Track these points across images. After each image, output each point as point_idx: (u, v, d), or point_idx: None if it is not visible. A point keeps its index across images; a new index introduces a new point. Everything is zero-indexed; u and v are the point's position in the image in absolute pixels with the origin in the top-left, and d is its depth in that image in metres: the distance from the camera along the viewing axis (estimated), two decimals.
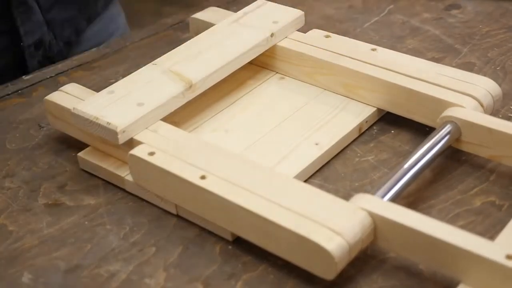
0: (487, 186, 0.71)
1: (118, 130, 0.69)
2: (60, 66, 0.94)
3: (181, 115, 0.78)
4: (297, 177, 0.71)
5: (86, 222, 0.69)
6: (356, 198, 0.63)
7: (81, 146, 0.76)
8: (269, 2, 0.89)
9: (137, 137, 0.70)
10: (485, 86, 0.75)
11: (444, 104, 0.73)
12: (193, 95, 0.76)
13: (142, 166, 0.68)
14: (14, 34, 0.95)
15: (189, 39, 0.85)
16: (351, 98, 0.80)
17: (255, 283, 0.62)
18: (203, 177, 0.65)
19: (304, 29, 0.88)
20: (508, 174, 0.72)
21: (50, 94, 0.77)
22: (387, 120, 0.80)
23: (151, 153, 0.68)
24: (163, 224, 0.69)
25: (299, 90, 0.83)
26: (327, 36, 0.86)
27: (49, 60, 1.00)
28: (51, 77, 0.92)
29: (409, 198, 0.70)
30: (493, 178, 0.72)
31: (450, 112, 0.72)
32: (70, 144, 0.78)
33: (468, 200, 0.69)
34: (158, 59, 0.79)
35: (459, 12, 1.02)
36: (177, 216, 0.69)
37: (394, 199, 0.64)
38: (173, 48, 0.81)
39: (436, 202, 0.69)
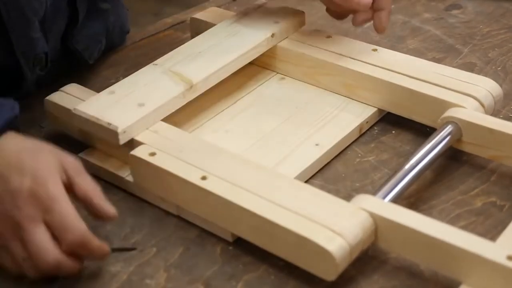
0: (488, 187, 0.71)
1: (119, 130, 0.68)
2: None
3: (182, 116, 0.78)
4: (298, 177, 0.70)
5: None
6: (357, 199, 0.63)
7: (82, 146, 0.76)
8: (270, 2, 0.88)
9: (137, 138, 0.70)
10: (486, 87, 0.75)
11: (445, 105, 0.73)
12: (194, 95, 0.76)
13: (143, 167, 0.68)
14: None
15: (190, 39, 0.85)
16: (352, 99, 0.80)
17: (255, 283, 0.62)
18: (204, 178, 0.65)
19: (304, 29, 0.88)
20: (509, 174, 0.72)
21: (51, 95, 0.77)
22: (388, 120, 0.80)
23: (152, 154, 0.68)
24: (163, 225, 0.69)
25: (300, 91, 0.83)
26: (327, 37, 0.86)
27: None
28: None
29: (410, 198, 0.70)
30: (494, 178, 0.72)
31: (451, 112, 0.72)
32: (70, 145, 0.78)
33: (469, 201, 0.69)
34: (159, 59, 0.79)
35: (460, 12, 1.02)
36: (178, 216, 0.69)
37: (395, 200, 0.64)
38: (174, 49, 0.81)
39: (437, 203, 0.69)
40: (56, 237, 0.59)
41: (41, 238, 0.58)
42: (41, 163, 0.60)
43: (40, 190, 0.58)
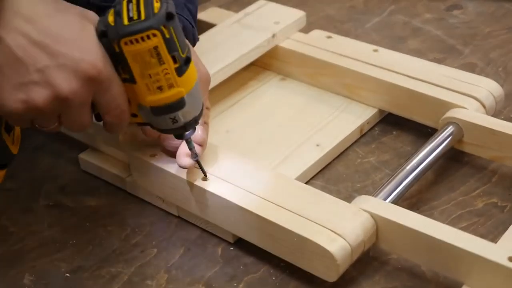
0: (489, 188, 0.71)
1: None
2: None
3: None
4: (299, 178, 0.70)
5: (87, 224, 0.69)
6: (358, 199, 0.62)
7: (82, 147, 0.76)
8: (271, 3, 0.88)
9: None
10: (487, 87, 0.75)
11: (446, 105, 0.73)
12: None
13: (144, 167, 0.68)
14: None
15: None
16: (353, 99, 0.80)
17: (256, 284, 0.62)
18: (204, 179, 0.64)
19: (305, 30, 0.88)
20: (510, 175, 0.72)
21: None
22: (388, 121, 0.80)
23: (153, 155, 0.67)
24: (164, 226, 0.69)
25: (301, 91, 0.82)
26: (328, 37, 0.86)
27: None
28: None
29: (411, 199, 0.69)
30: (495, 179, 0.72)
31: (452, 113, 0.72)
32: (71, 145, 0.78)
33: (470, 202, 0.69)
34: None
35: (461, 13, 1.02)
36: (179, 217, 0.69)
37: (396, 201, 0.64)
38: None
39: (438, 204, 0.69)
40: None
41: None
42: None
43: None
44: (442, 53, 0.92)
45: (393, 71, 0.77)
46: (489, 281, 0.56)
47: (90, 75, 0.54)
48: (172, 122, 0.58)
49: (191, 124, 0.59)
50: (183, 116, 0.58)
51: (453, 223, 0.67)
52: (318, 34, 0.87)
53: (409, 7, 1.03)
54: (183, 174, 0.65)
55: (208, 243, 0.67)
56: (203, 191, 0.64)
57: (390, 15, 1.02)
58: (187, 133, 0.60)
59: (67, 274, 0.64)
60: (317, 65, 0.81)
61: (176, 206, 0.69)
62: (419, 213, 0.63)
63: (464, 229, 0.65)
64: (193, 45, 0.72)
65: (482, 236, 0.60)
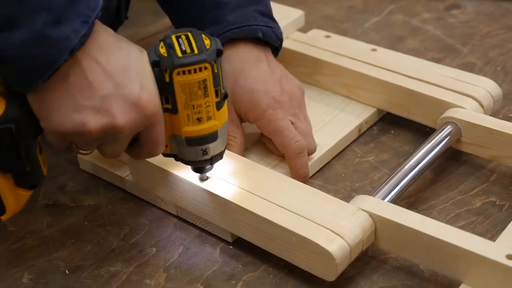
0: (488, 187, 0.71)
1: None
2: None
3: None
4: None
5: (86, 223, 0.69)
6: (357, 199, 0.63)
7: None
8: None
9: None
10: (485, 87, 0.75)
11: (444, 105, 0.73)
12: None
13: (143, 167, 0.68)
14: None
15: None
16: (351, 99, 0.80)
17: (255, 283, 0.62)
18: (203, 178, 0.65)
19: (304, 29, 0.88)
20: (508, 174, 0.72)
21: None
22: (387, 120, 0.80)
23: None
24: (163, 225, 0.69)
25: None
26: (327, 36, 0.86)
27: None
28: None
29: (410, 198, 0.70)
30: (493, 178, 0.72)
31: (450, 113, 0.72)
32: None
33: (469, 201, 0.69)
34: None
35: (460, 12, 1.02)
36: (177, 217, 0.69)
37: (395, 200, 0.64)
38: None
39: (437, 203, 0.69)
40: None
41: None
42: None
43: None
44: (441, 52, 0.93)
45: (391, 71, 0.78)
46: (488, 280, 0.56)
47: (147, 110, 0.55)
48: (202, 154, 0.60)
49: (217, 158, 0.61)
50: (213, 149, 0.60)
51: (451, 222, 0.67)
52: (316, 34, 0.87)
53: (408, 7, 1.04)
54: (182, 174, 0.65)
55: (207, 243, 0.67)
56: (202, 190, 0.64)
57: (389, 15, 1.02)
58: (207, 167, 0.63)
59: (67, 273, 0.64)
60: (315, 65, 0.81)
61: (175, 205, 0.69)
62: (417, 212, 0.63)
63: (462, 228, 0.65)
64: (280, 46, 0.76)
65: (480, 235, 0.60)
